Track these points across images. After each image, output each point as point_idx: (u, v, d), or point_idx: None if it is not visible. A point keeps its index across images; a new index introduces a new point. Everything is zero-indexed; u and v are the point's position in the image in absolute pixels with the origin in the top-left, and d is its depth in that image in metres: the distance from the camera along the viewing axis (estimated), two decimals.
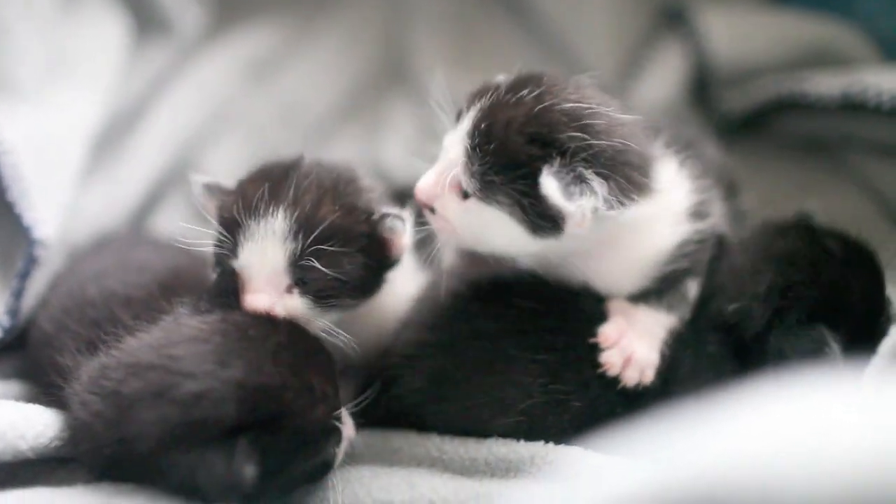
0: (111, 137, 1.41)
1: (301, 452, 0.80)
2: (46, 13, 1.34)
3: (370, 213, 0.95)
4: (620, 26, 1.55)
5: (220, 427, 0.75)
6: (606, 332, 0.94)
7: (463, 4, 1.69)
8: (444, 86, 1.54)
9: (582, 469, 0.86)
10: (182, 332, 0.82)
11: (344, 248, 0.92)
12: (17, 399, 1.01)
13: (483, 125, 0.87)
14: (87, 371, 0.87)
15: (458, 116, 0.92)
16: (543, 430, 0.93)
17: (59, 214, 1.17)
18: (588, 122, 0.85)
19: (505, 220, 0.88)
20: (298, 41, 1.65)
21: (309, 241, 0.90)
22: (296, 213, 0.90)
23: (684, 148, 1.03)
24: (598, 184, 0.84)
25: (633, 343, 0.93)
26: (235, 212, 0.92)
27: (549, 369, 0.94)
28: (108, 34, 1.43)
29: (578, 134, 0.84)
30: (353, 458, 0.93)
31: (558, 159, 0.84)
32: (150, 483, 0.81)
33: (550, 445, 0.90)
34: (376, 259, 0.96)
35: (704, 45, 1.43)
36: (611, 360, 0.93)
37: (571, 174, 0.83)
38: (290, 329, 0.84)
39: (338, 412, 0.83)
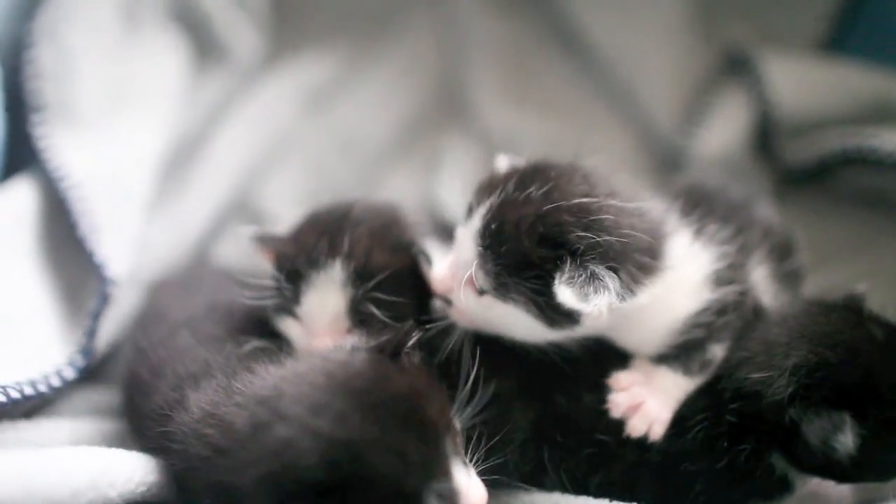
0: (173, 168, 1.40)
1: None
2: (110, 39, 1.33)
3: (414, 248, 1.01)
4: (681, 71, 1.55)
5: (303, 482, 0.73)
6: (619, 377, 0.98)
7: (518, 41, 1.68)
8: (499, 124, 1.57)
9: None
10: (301, 366, 0.83)
11: (396, 288, 0.98)
12: (92, 438, 1.02)
13: (493, 226, 0.89)
14: (199, 402, 0.88)
15: (469, 210, 0.94)
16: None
17: (129, 250, 1.17)
18: (595, 217, 0.87)
19: (522, 315, 0.91)
20: (355, 71, 1.65)
21: (365, 287, 0.97)
22: (352, 264, 0.97)
23: (728, 211, 1.04)
24: (609, 279, 0.86)
25: (645, 395, 0.96)
26: (296, 263, 0.99)
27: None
28: (169, 61, 1.42)
29: (586, 234, 0.86)
30: None
31: (568, 261, 0.85)
32: None
33: None
34: (423, 289, 1.01)
35: (769, 95, 1.43)
36: (616, 401, 0.96)
37: (584, 274, 0.85)
38: (400, 386, 0.80)
39: (442, 484, 0.78)
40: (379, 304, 0.97)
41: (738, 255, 1.00)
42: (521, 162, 0.97)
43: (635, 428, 0.95)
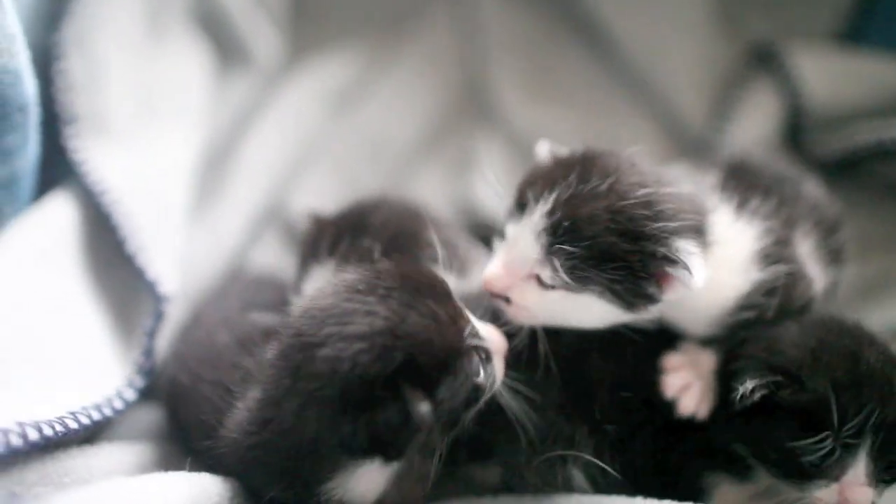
0: (204, 177, 1.37)
1: (446, 380, 0.81)
2: (137, 45, 1.29)
3: None
4: (705, 65, 1.55)
5: (366, 385, 0.76)
6: (671, 359, 1.00)
7: (540, 36, 1.67)
8: (524, 121, 1.56)
9: None
10: (311, 299, 0.86)
11: None
12: (157, 461, 1.00)
13: (566, 223, 0.89)
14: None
15: (521, 206, 0.93)
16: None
17: (176, 265, 1.14)
18: (660, 208, 0.90)
19: (597, 302, 0.92)
20: (377, 71, 1.63)
21: None
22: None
23: (772, 184, 1.05)
24: (697, 249, 0.89)
25: (694, 377, 0.98)
26: (303, 251, 1.08)
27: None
28: (195, 64, 1.39)
29: (659, 223, 0.88)
30: None
31: (666, 251, 0.88)
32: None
33: None
34: None
35: (799, 88, 1.44)
36: (669, 383, 0.98)
37: (683, 256, 0.88)
38: (396, 272, 0.86)
39: (472, 330, 0.85)
40: None
41: (783, 230, 1.00)
42: (561, 150, 0.97)
43: (686, 407, 0.97)
